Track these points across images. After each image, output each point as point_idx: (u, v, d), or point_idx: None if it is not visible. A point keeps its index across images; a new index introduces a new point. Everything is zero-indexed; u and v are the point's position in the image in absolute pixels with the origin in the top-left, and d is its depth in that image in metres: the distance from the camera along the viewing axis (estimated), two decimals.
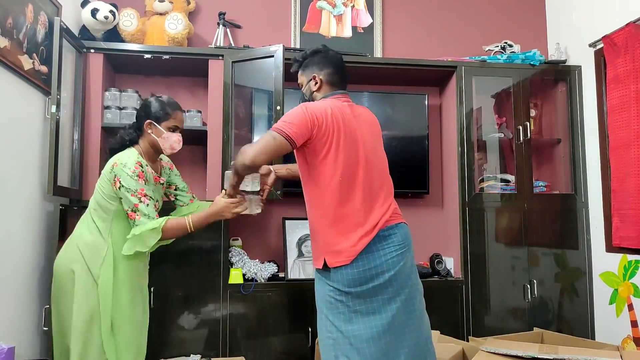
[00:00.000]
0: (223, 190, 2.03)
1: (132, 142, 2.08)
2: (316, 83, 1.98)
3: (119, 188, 1.92)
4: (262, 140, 1.77)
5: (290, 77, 2.90)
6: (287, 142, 1.74)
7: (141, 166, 1.97)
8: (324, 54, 2.01)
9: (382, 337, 1.74)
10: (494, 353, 2.15)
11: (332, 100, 1.92)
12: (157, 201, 2.07)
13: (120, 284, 1.96)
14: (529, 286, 2.89)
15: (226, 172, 2.05)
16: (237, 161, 1.80)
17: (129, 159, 1.97)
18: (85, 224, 2.02)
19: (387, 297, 1.78)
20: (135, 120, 2.14)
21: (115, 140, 2.11)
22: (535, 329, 2.70)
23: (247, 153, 1.75)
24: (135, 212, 1.91)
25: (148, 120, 2.05)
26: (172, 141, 2.06)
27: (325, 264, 1.81)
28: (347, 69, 2.05)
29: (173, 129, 2.07)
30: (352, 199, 1.82)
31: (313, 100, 1.99)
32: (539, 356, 2.07)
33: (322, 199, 1.83)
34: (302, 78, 2.04)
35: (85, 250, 1.94)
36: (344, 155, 1.81)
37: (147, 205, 1.93)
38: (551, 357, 2.05)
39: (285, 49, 2.67)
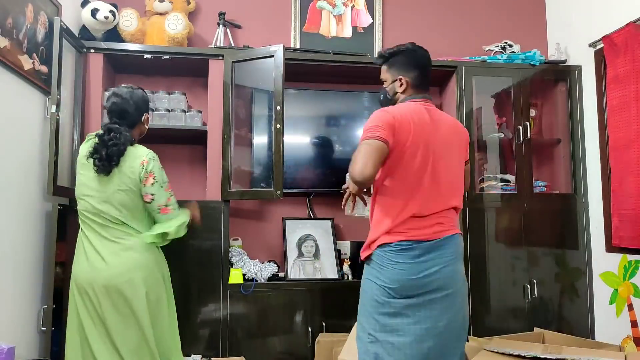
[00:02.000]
0: None
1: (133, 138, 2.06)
2: (402, 84, 1.94)
3: (153, 184, 1.94)
4: (359, 153, 1.70)
5: (290, 78, 2.92)
6: (383, 143, 1.70)
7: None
8: (413, 53, 1.98)
9: None
10: (497, 352, 2.15)
11: (410, 104, 1.89)
12: None
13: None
14: (529, 286, 2.89)
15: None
16: (351, 181, 1.77)
17: (148, 151, 2.02)
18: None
19: None
20: (126, 113, 2.03)
21: (120, 139, 1.97)
22: (536, 329, 2.70)
23: (354, 171, 1.69)
24: (168, 206, 1.97)
25: (147, 115, 2.14)
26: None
27: None
28: (431, 71, 2.03)
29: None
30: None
31: (395, 100, 1.96)
32: (542, 356, 2.07)
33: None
34: (386, 75, 2.00)
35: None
36: (408, 160, 1.77)
37: (174, 196, 2.01)
38: (555, 357, 2.05)
39: (285, 49, 2.67)
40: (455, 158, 1.90)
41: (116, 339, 1.89)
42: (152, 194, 1.95)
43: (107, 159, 1.93)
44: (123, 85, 2.15)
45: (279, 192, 2.55)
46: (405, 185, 1.78)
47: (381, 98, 2.03)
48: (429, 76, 2.00)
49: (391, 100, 1.98)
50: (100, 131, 2.00)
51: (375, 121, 1.76)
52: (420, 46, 2.02)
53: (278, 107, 2.58)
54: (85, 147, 2.01)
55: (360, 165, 1.67)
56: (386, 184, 1.81)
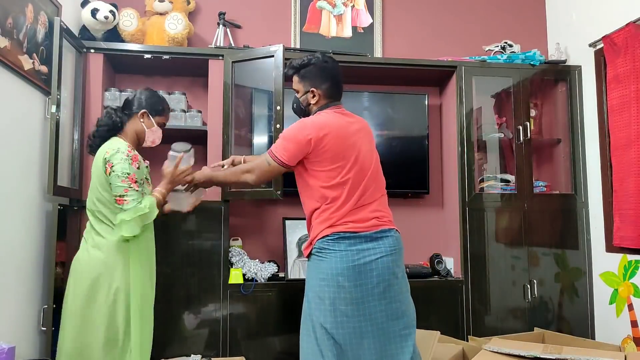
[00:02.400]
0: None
1: (116, 130, 2.06)
2: (314, 96, 2.02)
3: (110, 174, 1.90)
4: (258, 166, 2.00)
5: (290, 78, 2.91)
6: (281, 167, 1.96)
7: (133, 150, 1.99)
8: (323, 65, 2.03)
9: None
10: (497, 352, 2.16)
11: (328, 113, 2.00)
12: (143, 193, 2.00)
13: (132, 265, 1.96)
14: (529, 286, 2.89)
15: (172, 153, 2.11)
16: (238, 177, 2.06)
17: (120, 144, 1.97)
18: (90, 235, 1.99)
19: None
20: (124, 106, 2.12)
21: (103, 118, 2.06)
22: (536, 329, 2.70)
23: (249, 178, 2.02)
24: (123, 197, 1.89)
25: (144, 110, 2.08)
26: (157, 136, 2.14)
27: None
28: (342, 79, 2.09)
29: (161, 126, 2.16)
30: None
31: (309, 111, 2.06)
32: (542, 356, 2.07)
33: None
34: (298, 86, 2.07)
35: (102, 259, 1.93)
36: (341, 162, 1.92)
37: (137, 190, 1.91)
38: (555, 357, 2.05)
39: (285, 49, 2.66)
40: (375, 153, 2.05)
41: None
42: (110, 184, 1.92)
43: (92, 137, 2.05)
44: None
45: (279, 192, 2.55)
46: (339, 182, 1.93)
47: (294, 107, 2.12)
48: (340, 86, 2.08)
49: (304, 111, 2.08)
50: None
51: (289, 140, 1.93)
52: (330, 56, 2.10)
53: (278, 107, 2.58)
54: None
55: (254, 179, 2.01)
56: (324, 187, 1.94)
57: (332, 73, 2.04)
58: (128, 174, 1.90)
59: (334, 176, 1.91)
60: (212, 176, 2.13)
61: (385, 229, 1.92)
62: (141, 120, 2.08)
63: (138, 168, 1.96)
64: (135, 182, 1.92)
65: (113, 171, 1.90)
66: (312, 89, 2.01)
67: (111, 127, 2.05)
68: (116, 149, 1.94)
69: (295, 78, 2.07)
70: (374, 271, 1.83)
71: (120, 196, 1.89)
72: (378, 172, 2.02)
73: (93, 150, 2.05)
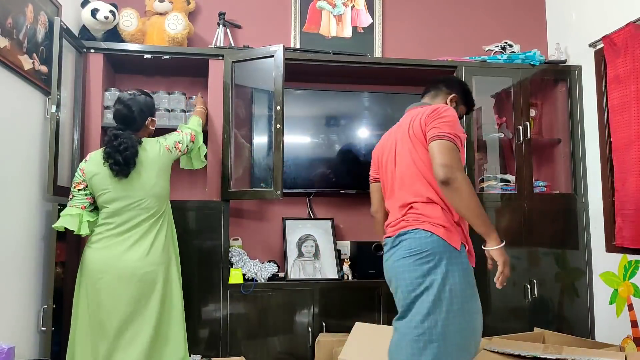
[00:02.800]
0: None
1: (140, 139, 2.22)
2: (457, 104, 2.02)
3: (177, 147, 2.28)
4: (451, 155, 1.69)
5: (290, 78, 2.91)
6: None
7: None
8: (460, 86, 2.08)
9: None
10: (498, 353, 2.15)
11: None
12: None
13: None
14: (529, 286, 2.89)
15: None
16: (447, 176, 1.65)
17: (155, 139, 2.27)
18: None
19: None
20: (129, 119, 2.17)
21: (129, 142, 2.11)
22: (536, 329, 2.70)
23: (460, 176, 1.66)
24: (191, 132, 2.39)
25: (153, 118, 2.27)
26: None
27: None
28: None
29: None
30: None
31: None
32: (543, 356, 2.07)
33: None
34: (460, 108, 2.05)
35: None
36: None
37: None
38: (555, 357, 2.05)
39: (285, 49, 2.67)
40: (405, 150, 1.83)
41: None
42: (179, 142, 2.29)
43: (124, 163, 2.08)
44: (128, 91, 2.25)
45: (279, 192, 2.55)
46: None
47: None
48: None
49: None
50: (106, 138, 2.15)
51: (453, 123, 1.76)
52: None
53: (278, 107, 2.58)
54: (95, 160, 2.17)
55: (457, 166, 1.68)
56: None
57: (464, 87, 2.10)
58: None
59: None
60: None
61: None
62: (151, 127, 2.28)
63: None
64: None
65: (170, 137, 2.29)
66: (453, 95, 2.02)
67: (136, 153, 2.13)
68: (164, 140, 2.27)
69: (458, 99, 2.04)
70: None
71: (190, 133, 2.37)
72: None
73: (126, 173, 2.11)
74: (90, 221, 2.15)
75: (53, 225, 2.17)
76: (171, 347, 2.14)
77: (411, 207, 1.76)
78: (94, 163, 2.14)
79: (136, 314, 2.07)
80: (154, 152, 2.19)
